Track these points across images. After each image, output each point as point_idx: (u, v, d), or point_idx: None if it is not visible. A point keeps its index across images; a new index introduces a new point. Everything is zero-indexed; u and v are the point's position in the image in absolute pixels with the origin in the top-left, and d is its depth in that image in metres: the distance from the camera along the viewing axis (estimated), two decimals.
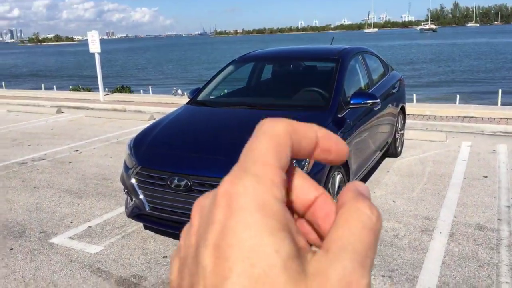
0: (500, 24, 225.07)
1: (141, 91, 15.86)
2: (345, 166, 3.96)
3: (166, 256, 3.61)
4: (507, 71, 26.03)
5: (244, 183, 0.24)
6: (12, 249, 3.84)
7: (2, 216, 4.54)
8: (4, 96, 13.90)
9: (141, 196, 3.58)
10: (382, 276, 3.20)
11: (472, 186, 4.91)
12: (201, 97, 4.94)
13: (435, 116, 8.31)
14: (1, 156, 6.90)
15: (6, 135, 8.45)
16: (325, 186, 3.53)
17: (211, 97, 5.06)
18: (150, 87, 15.97)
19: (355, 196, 0.27)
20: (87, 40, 11.80)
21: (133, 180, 3.63)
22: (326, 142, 0.29)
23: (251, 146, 0.27)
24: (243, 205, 0.23)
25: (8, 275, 3.41)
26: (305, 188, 0.29)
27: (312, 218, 0.28)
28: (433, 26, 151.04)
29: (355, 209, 0.26)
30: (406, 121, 6.86)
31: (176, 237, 3.86)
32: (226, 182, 0.25)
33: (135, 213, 3.71)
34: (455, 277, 3.15)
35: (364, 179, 5.11)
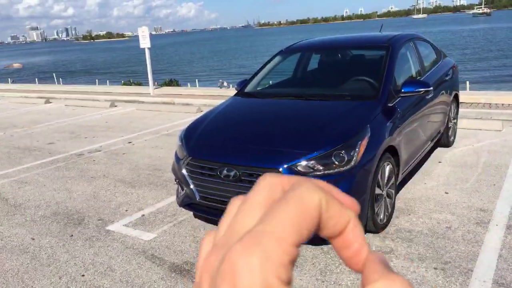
0: None
1: (188, 84, 16.21)
2: (395, 156, 3.87)
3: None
4: None
5: (252, 260, 0.24)
6: (72, 235, 4.08)
7: (63, 205, 4.83)
8: (61, 91, 14.67)
9: (192, 186, 3.69)
10: (435, 268, 3.13)
11: None
12: (248, 88, 4.98)
13: (490, 104, 7.92)
14: (60, 148, 7.32)
15: (64, 128, 8.94)
16: (375, 177, 3.48)
17: (258, 88, 5.10)
18: (196, 80, 16.28)
19: (386, 272, 0.26)
20: (136, 36, 12.19)
21: (184, 171, 3.75)
22: (351, 236, 0.27)
23: (276, 210, 0.25)
24: (247, 285, 0.23)
25: (68, 260, 3.63)
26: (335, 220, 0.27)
27: (336, 245, 0.28)
28: (487, 10, 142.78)
29: None
30: (460, 109, 6.58)
31: None
32: (236, 252, 0.24)
33: (186, 202, 3.83)
34: None
35: (415, 170, 4.98)
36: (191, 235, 3.90)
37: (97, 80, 20.34)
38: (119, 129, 8.50)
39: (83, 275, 3.40)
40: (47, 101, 12.92)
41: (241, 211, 0.27)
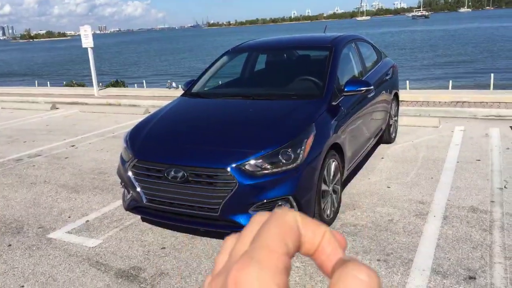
0: (492, 8, 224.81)
1: (135, 85, 15.82)
2: (340, 153, 3.99)
3: (164, 248, 3.65)
4: (497, 57, 26.10)
5: (250, 271, 0.27)
6: (10, 245, 3.86)
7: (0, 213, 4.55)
8: None
9: (138, 189, 3.61)
10: (378, 260, 3.26)
11: (465, 169, 4.97)
12: (195, 89, 4.94)
13: (428, 102, 8.35)
14: None
15: (1, 133, 8.43)
16: (321, 174, 3.56)
17: (205, 88, 5.07)
18: (144, 81, 15.92)
19: (345, 261, 0.29)
20: (79, 35, 11.73)
21: (130, 173, 3.65)
22: (327, 248, 0.31)
23: (261, 232, 0.29)
24: None
25: (7, 271, 3.43)
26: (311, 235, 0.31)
27: (318, 260, 0.31)
28: (425, 12, 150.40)
29: (352, 277, 0.27)
30: (400, 107, 6.89)
31: (174, 228, 3.90)
32: (234, 270, 0.27)
33: (133, 206, 3.74)
34: (449, 259, 3.20)
35: (359, 166, 5.16)
36: (139, 239, 3.81)
37: (36, 81, 19.34)
38: (61, 132, 8.14)
39: (22, 286, 3.22)
40: None
41: (236, 244, 0.31)
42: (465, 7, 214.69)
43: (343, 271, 0.28)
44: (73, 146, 7.10)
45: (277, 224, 0.29)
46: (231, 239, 0.33)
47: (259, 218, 0.32)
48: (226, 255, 0.32)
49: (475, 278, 2.97)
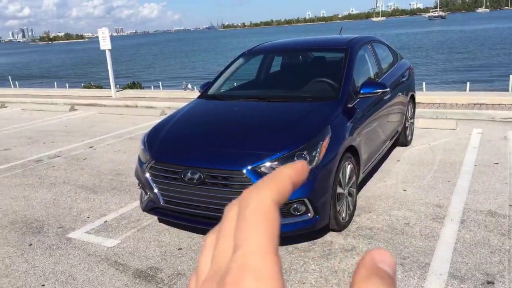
0: (511, 8, 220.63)
1: (152, 86, 16.00)
2: (355, 156, 3.99)
3: (181, 248, 3.70)
4: None
5: (246, 284, 0.24)
6: (31, 244, 3.95)
7: (20, 213, 4.66)
8: (18, 95, 14.11)
9: (156, 190, 3.66)
10: None
11: (483, 173, 4.91)
12: (211, 91, 4.99)
13: (445, 104, 8.26)
14: (17, 154, 7.05)
15: (21, 134, 8.62)
16: (336, 176, 3.57)
17: (221, 90, 5.11)
18: (160, 83, 16.08)
19: (368, 276, 0.25)
20: (96, 37, 11.92)
21: (147, 175, 3.71)
22: (296, 178, 0.29)
23: (243, 231, 0.26)
24: None
25: (28, 270, 3.52)
26: None
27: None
28: (442, 13, 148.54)
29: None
30: (416, 109, 6.84)
31: (190, 229, 3.94)
32: (229, 285, 0.24)
33: (150, 207, 3.80)
34: (467, 263, 3.17)
35: (375, 169, 5.14)
36: (156, 240, 3.87)
37: (55, 83, 19.70)
38: (79, 134, 8.28)
39: (43, 285, 3.30)
40: (3, 105, 12.42)
41: (219, 242, 0.28)
42: (483, 7, 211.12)
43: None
44: (91, 147, 7.23)
45: (258, 219, 0.26)
46: (211, 236, 0.30)
47: (232, 206, 0.29)
48: (209, 255, 0.29)
49: (493, 283, 2.94)
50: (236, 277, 0.24)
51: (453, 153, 5.68)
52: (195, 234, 3.90)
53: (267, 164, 3.34)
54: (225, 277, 0.25)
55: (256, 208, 0.27)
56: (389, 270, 0.26)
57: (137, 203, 4.58)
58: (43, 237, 4.07)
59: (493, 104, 7.85)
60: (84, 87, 16.81)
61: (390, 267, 0.26)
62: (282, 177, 0.29)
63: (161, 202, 3.65)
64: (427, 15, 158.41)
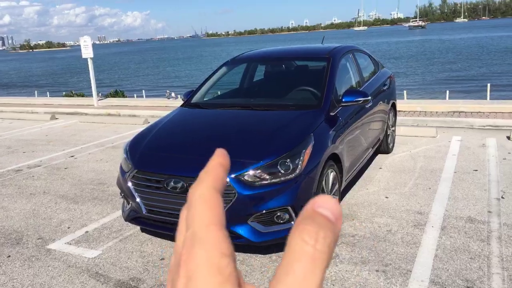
0: (488, 18, 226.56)
1: (135, 95, 15.88)
2: (338, 164, 4.02)
3: (163, 259, 3.66)
4: (492, 66, 26.30)
5: (196, 251, 0.27)
6: (9, 256, 3.86)
7: None
8: None
9: (138, 199, 3.62)
10: (376, 271, 3.27)
11: (463, 179, 5.00)
12: (195, 99, 4.99)
13: (425, 112, 8.42)
14: None
15: (0, 143, 8.45)
16: (319, 184, 3.59)
17: (205, 99, 5.11)
18: (143, 91, 15.99)
19: (302, 220, 0.28)
20: (78, 45, 11.82)
21: (129, 184, 3.67)
22: (225, 163, 0.34)
23: (191, 215, 0.29)
24: (198, 275, 0.26)
25: (6, 282, 3.43)
26: None
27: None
28: (421, 23, 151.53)
29: (299, 240, 0.27)
30: (398, 117, 6.94)
31: (173, 239, 3.90)
32: (183, 255, 0.28)
33: (132, 217, 3.75)
34: (448, 270, 3.22)
35: (357, 176, 5.19)
36: (138, 250, 3.82)
37: (36, 91, 19.41)
38: (60, 143, 8.16)
39: None
40: None
41: (179, 235, 0.31)
42: (461, 17, 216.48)
43: (297, 236, 0.28)
44: (72, 156, 7.12)
45: (201, 202, 0.30)
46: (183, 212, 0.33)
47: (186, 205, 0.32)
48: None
49: None
50: (187, 250, 0.28)
51: (433, 160, 5.78)
52: None
53: (251, 172, 3.34)
54: (181, 254, 0.28)
55: (199, 196, 0.30)
56: (328, 214, 0.27)
57: (119, 212, 4.52)
58: (22, 249, 3.98)
59: (472, 112, 8.03)
60: (66, 95, 16.60)
61: (330, 212, 0.27)
62: (215, 167, 0.33)
63: (144, 211, 3.61)
64: (407, 24, 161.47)
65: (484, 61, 29.15)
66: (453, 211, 4.19)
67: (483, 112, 7.96)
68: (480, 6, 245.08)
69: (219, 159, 0.34)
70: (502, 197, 4.44)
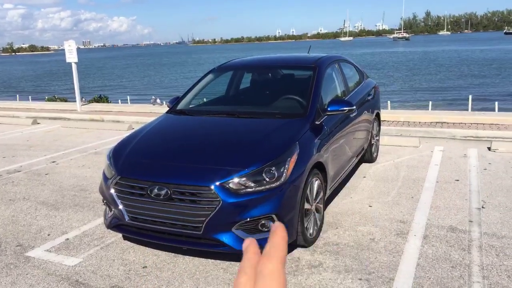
0: (470, 32, 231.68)
1: (119, 101, 15.74)
2: (323, 172, 4.04)
3: (146, 267, 3.61)
4: (473, 78, 26.88)
5: None
6: None
7: None
8: None
9: (121, 206, 3.57)
10: (360, 279, 3.28)
11: (445, 189, 5.07)
12: (180, 106, 4.96)
13: (409, 122, 8.53)
14: None
15: None
16: (304, 192, 3.59)
17: (190, 106, 5.09)
18: (128, 97, 15.85)
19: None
20: (63, 50, 11.68)
21: (112, 190, 3.62)
22: (286, 237, 0.43)
23: None
24: None
25: None
26: None
27: None
28: (406, 35, 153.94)
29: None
30: (381, 127, 7.02)
31: (156, 246, 3.86)
32: None
33: (114, 224, 3.70)
34: (429, 278, 3.25)
35: (342, 185, 5.21)
36: (120, 258, 3.76)
37: (17, 95, 19.08)
38: (42, 148, 8.02)
39: None
40: None
41: None
42: (445, 30, 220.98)
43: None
44: (54, 162, 7.00)
45: (274, 277, 0.38)
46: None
47: (248, 271, 0.43)
48: None
49: None
50: None
51: (416, 169, 5.85)
52: (160, 251, 3.82)
53: (235, 180, 3.33)
54: None
55: (271, 271, 0.37)
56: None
57: (101, 220, 4.45)
58: (0, 256, 3.88)
59: (454, 123, 8.17)
60: (48, 100, 16.35)
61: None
62: (281, 242, 0.40)
63: (126, 218, 3.56)
64: (391, 36, 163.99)
65: (464, 73, 29.77)
66: (435, 220, 4.24)
67: (465, 123, 8.11)
68: (463, 20, 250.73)
69: (282, 233, 0.40)
70: (483, 207, 4.51)
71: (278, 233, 0.40)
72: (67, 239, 4.18)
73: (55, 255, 3.87)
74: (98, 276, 3.49)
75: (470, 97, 11.30)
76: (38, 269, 3.64)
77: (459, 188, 5.08)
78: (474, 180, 5.35)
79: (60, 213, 4.83)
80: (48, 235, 4.29)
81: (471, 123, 8.07)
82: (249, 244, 0.43)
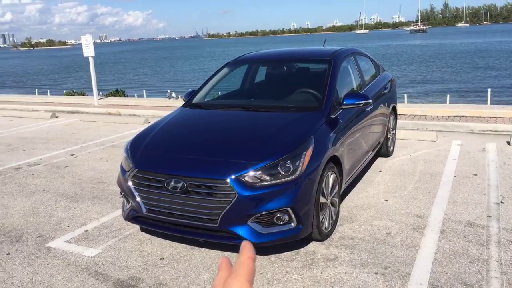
0: (490, 23, 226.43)
1: (135, 94, 15.90)
2: (338, 166, 4.03)
3: (163, 258, 3.66)
4: (491, 71, 26.32)
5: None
6: (9, 254, 3.86)
7: None
8: None
9: (138, 199, 3.63)
10: (376, 273, 3.28)
11: (462, 184, 5.01)
12: (196, 99, 4.99)
13: (426, 116, 8.42)
14: None
15: (0, 141, 8.45)
16: (319, 186, 3.59)
17: (205, 99, 5.12)
18: (144, 91, 15.99)
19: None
20: (79, 44, 11.83)
21: (130, 183, 3.68)
22: (253, 255, 0.47)
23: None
24: None
25: (5, 280, 3.44)
26: None
27: None
28: (423, 27, 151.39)
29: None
30: (398, 121, 6.95)
31: (173, 238, 3.91)
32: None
33: (132, 216, 3.76)
34: (446, 273, 3.22)
35: (357, 179, 5.19)
36: (138, 250, 3.82)
37: (36, 89, 19.41)
38: (60, 141, 8.16)
39: None
40: None
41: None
42: (463, 22, 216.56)
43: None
44: (72, 155, 7.13)
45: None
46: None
47: None
48: None
49: None
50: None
51: (433, 164, 5.78)
52: (177, 243, 3.87)
53: (251, 173, 3.35)
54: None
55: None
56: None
57: (119, 212, 4.53)
58: (22, 246, 3.99)
59: (472, 117, 8.04)
60: (66, 94, 16.60)
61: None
62: (247, 260, 0.43)
63: (144, 211, 3.62)
64: (408, 28, 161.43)
65: (484, 66, 29.19)
66: (452, 215, 4.20)
67: (483, 117, 7.98)
68: (482, 11, 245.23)
69: (249, 253, 0.43)
70: (502, 202, 4.45)
71: (245, 252, 0.42)
72: (86, 230, 4.27)
73: (75, 246, 3.96)
74: (116, 266, 3.56)
75: (489, 90, 11.09)
76: (58, 259, 3.73)
77: (477, 183, 5.01)
78: (493, 174, 5.27)
79: (79, 205, 4.92)
80: (68, 226, 4.38)
81: (490, 117, 7.93)
82: (222, 262, 0.45)
